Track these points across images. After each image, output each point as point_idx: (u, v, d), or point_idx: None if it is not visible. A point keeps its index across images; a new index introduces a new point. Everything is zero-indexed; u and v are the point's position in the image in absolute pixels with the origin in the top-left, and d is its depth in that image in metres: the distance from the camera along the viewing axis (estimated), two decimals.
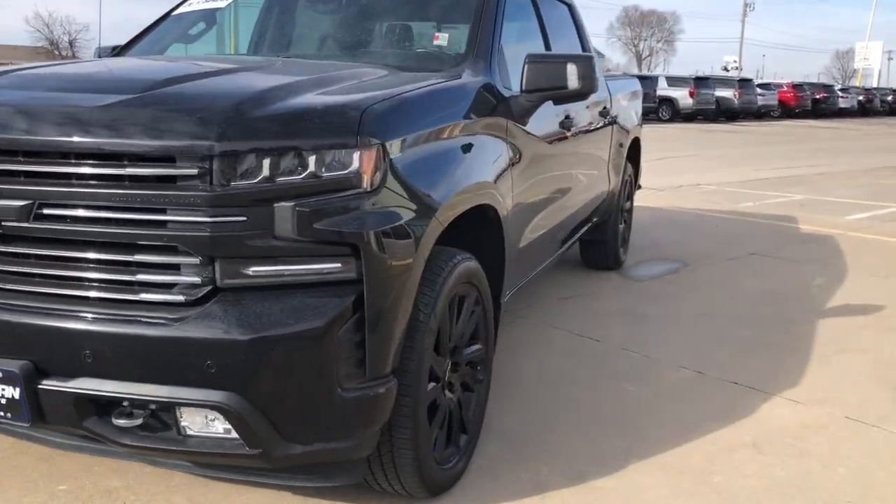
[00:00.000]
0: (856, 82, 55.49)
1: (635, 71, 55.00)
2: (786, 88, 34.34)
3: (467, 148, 2.44)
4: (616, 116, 4.78)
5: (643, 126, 5.83)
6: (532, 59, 2.85)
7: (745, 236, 6.70)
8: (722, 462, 2.68)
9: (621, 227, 5.38)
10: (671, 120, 27.89)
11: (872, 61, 59.40)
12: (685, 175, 11.20)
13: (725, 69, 67.37)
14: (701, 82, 28.70)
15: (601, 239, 5.13)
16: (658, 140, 19.00)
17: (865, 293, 4.89)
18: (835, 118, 35.11)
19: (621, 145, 4.97)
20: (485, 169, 2.54)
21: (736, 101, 29.44)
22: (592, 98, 4.36)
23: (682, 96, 27.86)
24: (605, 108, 4.48)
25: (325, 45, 3.47)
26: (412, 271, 2.03)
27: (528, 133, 3.01)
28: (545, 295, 4.63)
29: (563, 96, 2.91)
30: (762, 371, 3.51)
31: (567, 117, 3.55)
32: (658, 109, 27.81)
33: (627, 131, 5.13)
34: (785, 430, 2.93)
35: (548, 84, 2.84)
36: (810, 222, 7.38)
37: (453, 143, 2.37)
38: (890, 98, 42.12)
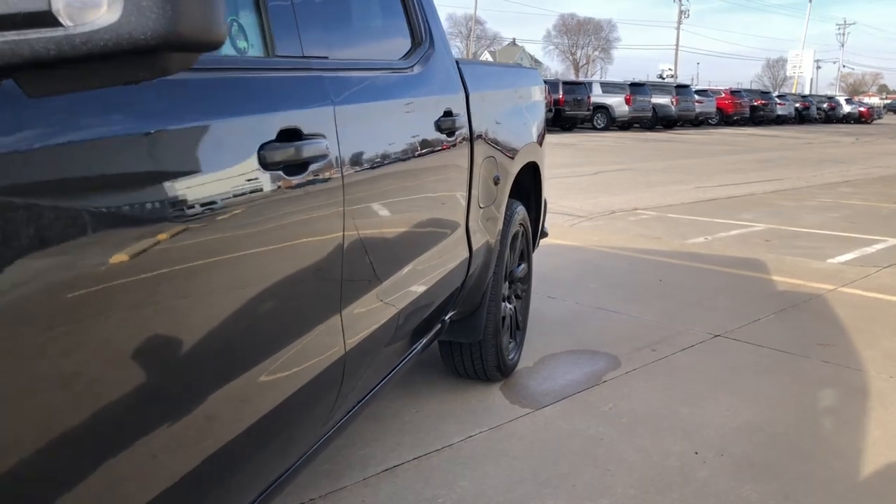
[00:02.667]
0: (788, 89, 55.72)
1: (573, 79, 53.37)
2: (724, 95, 33.21)
3: None
4: (482, 129, 2.65)
5: (547, 139, 3.74)
6: None
7: (700, 297, 4.67)
8: None
9: (509, 307, 3.26)
10: (606, 128, 26.29)
11: (804, 69, 60.12)
12: (621, 195, 9.25)
13: (661, 77, 66.99)
14: (637, 88, 27.21)
15: (470, 340, 2.99)
16: (593, 151, 17.15)
17: None
18: (773, 125, 34.20)
19: (497, 180, 2.83)
20: None
21: (673, 108, 28.10)
22: (419, 96, 2.25)
23: (618, 103, 26.32)
24: (448, 112, 2.33)
25: None
26: None
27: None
28: (361, 461, 2.46)
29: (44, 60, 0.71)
30: None
31: (292, 134, 1.37)
32: (593, 117, 26.30)
33: (512, 153, 3.00)
34: None
35: None
36: (785, 271, 5.41)
37: None
38: (825, 106, 41.60)
